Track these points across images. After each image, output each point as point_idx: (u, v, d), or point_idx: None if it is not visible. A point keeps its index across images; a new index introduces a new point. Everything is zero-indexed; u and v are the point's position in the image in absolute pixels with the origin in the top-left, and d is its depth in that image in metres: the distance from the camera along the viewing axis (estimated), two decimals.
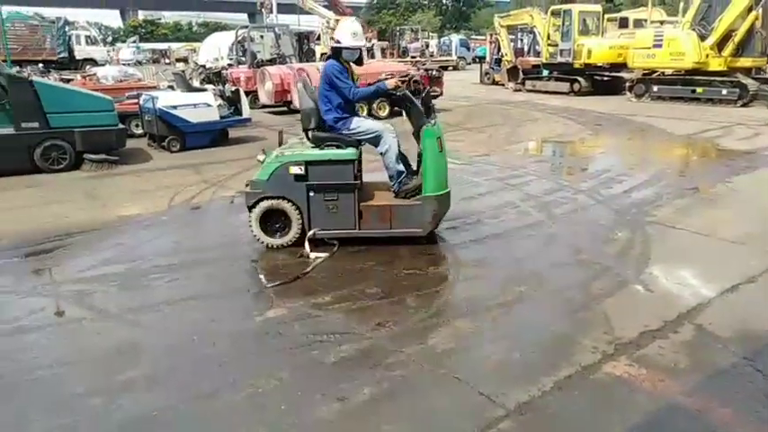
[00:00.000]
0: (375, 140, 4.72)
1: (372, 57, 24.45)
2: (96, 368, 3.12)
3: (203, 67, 20.37)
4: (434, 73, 14.14)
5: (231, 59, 20.16)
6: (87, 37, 30.48)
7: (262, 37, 16.80)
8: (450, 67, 30.75)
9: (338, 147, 4.57)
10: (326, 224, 4.66)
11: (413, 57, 29.02)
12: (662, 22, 17.89)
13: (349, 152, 4.54)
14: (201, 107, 9.51)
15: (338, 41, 4.70)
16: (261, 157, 4.76)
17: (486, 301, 3.78)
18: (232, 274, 4.38)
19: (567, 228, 5.28)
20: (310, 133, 4.68)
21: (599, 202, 6.05)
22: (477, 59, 29.70)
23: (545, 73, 18.96)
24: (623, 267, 4.30)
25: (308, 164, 4.51)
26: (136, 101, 10.23)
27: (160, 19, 68.18)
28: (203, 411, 2.73)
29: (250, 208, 4.68)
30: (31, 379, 2.99)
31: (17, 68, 14.25)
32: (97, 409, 2.75)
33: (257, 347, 3.30)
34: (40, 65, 19.27)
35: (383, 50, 27.69)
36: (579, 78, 17.46)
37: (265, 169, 4.62)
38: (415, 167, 4.84)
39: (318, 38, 22.79)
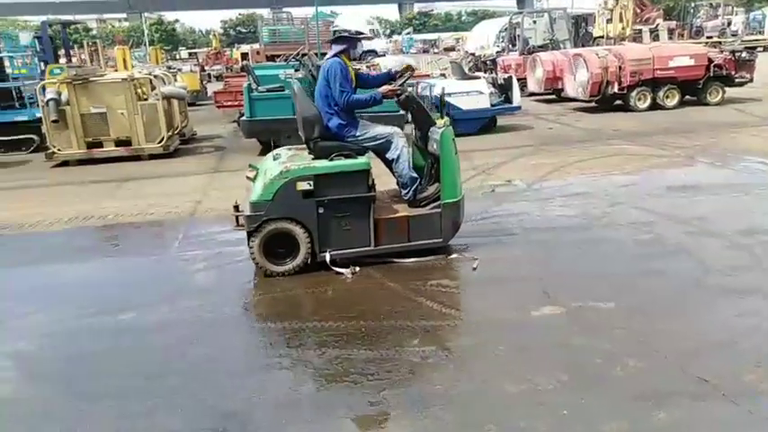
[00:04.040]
0: (385, 146, 4.35)
1: (656, 39, 21.87)
2: (378, 332, 3.40)
3: (472, 55, 20.92)
4: (743, 55, 11.91)
5: (498, 47, 20.24)
6: (371, 30, 33.94)
7: (534, 22, 16.43)
8: (761, 48, 25.66)
9: (346, 156, 4.15)
10: (339, 244, 4.20)
11: (709, 37, 25.04)
12: None
13: (362, 161, 4.15)
14: (474, 94, 9.72)
15: (345, 30, 4.32)
16: (250, 174, 4.38)
17: None
18: (502, 262, 4.36)
19: None
20: (313, 144, 4.22)
21: None
22: None
23: None
24: None
25: (317, 177, 4.07)
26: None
27: (432, 10, 72.23)
28: (479, 395, 2.75)
29: (250, 234, 4.10)
30: (334, 332, 3.42)
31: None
32: (375, 369, 2.99)
33: (534, 343, 3.19)
34: None
35: (671, 31, 24.46)
36: None
37: (269, 187, 4.04)
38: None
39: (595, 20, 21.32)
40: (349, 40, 4.32)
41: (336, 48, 4.30)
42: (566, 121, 11.18)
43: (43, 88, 9.01)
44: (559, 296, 3.69)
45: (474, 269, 4.19)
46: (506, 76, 10.78)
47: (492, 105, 9.87)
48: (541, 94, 13.91)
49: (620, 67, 11.11)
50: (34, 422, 2.72)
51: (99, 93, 8.98)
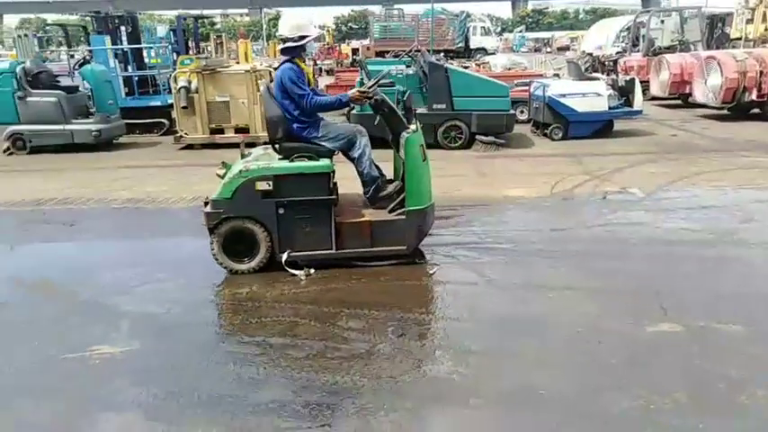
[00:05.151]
0: (348, 145, 4.28)
1: None
2: (486, 330, 3.40)
3: (589, 54, 19.97)
4: None
5: (618, 47, 19.14)
6: (482, 28, 33.37)
7: (662, 21, 15.38)
8: None
9: (310, 158, 4.11)
10: (299, 245, 4.14)
11: None
12: None
13: (323, 164, 4.11)
14: (590, 96, 9.30)
15: (284, 39, 4.19)
16: (220, 171, 4.31)
17: None
18: (616, 272, 4.15)
19: None
20: (278, 144, 4.18)
21: None
22: None
23: None
24: None
25: (276, 178, 4.01)
26: (525, 88, 10.69)
27: (547, 8, 69.86)
28: (587, 403, 2.65)
29: (211, 230, 4.14)
30: (442, 327, 3.46)
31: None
32: (487, 365, 2.97)
33: (649, 359, 3.01)
34: (442, 54, 22.06)
35: None
36: None
37: (228, 186, 4.06)
38: (392, 177, 4.54)
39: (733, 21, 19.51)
40: (293, 50, 4.23)
41: (284, 57, 4.29)
42: (692, 129, 10.38)
43: (175, 77, 9.81)
44: (679, 314, 3.45)
45: (432, 274, 4.15)
46: (628, 78, 10.20)
47: (610, 108, 9.38)
48: (665, 99, 13.01)
49: (761, 72, 10.13)
50: (160, 375, 3.00)
51: (224, 83, 9.63)
